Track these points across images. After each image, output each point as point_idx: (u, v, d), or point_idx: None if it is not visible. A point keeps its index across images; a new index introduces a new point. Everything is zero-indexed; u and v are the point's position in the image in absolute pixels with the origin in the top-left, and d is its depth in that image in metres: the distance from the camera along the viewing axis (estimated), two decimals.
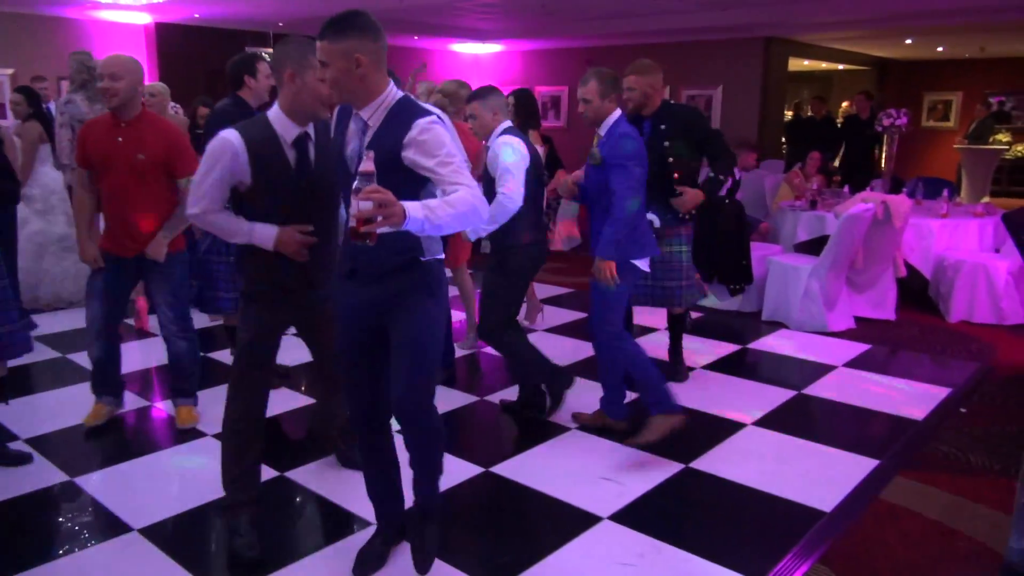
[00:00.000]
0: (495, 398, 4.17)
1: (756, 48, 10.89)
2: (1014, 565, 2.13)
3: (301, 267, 2.63)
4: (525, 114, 4.49)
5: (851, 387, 4.38)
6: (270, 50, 10.81)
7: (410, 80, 5.40)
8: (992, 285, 5.65)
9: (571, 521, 2.92)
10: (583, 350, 4.90)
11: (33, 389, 4.29)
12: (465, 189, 2.08)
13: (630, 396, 3.79)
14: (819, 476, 3.29)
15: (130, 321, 5.31)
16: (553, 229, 5.96)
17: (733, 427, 3.80)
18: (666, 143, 3.98)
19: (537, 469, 3.35)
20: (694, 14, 9.32)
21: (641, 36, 10.72)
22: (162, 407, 4.03)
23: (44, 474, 3.27)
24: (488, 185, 3.53)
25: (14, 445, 3.48)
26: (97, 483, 3.21)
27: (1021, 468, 2.14)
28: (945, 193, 6.57)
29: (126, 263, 3.51)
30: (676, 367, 4.49)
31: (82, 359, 3.91)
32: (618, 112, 3.50)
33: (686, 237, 4.22)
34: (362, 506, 2.87)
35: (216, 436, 3.66)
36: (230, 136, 2.49)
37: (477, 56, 13.71)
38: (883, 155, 8.63)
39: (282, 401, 4.09)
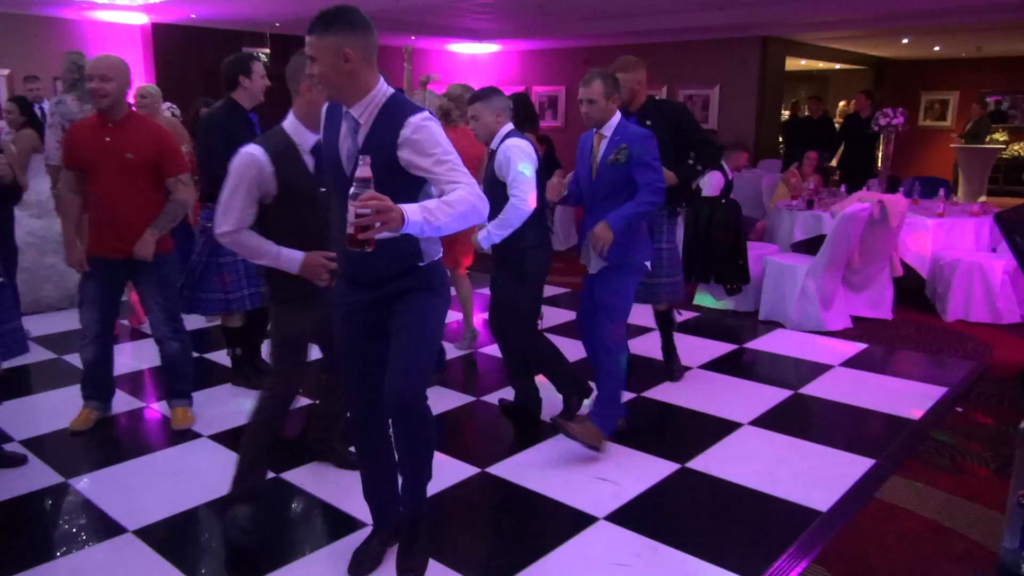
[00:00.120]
0: (491, 399, 4.16)
1: (753, 48, 10.88)
2: (1008, 565, 2.13)
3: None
4: (523, 117, 4.47)
5: (847, 386, 4.38)
6: (266, 50, 10.86)
7: (407, 70, 5.39)
8: (988, 284, 5.66)
9: (567, 521, 2.92)
10: (582, 350, 4.88)
11: (28, 391, 4.29)
12: (463, 187, 2.05)
13: (628, 396, 3.78)
14: (815, 476, 3.29)
15: (124, 321, 5.30)
16: (554, 230, 5.96)
17: (729, 427, 3.80)
18: None
19: (533, 470, 3.34)
20: (691, 14, 9.33)
21: (638, 36, 10.71)
22: (157, 408, 4.02)
23: (38, 476, 3.26)
24: (493, 189, 3.45)
25: (8, 446, 3.48)
26: (91, 484, 3.20)
27: (1014, 468, 2.14)
28: (941, 192, 6.57)
29: (115, 265, 3.50)
30: (669, 366, 4.49)
31: (77, 360, 3.90)
32: (619, 114, 3.50)
33: (668, 233, 4.21)
34: (358, 507, 2.86)
35: (212, 437, 3.66)
36: (254, 151, 2.55)
37: (474, 56, 13.70)
38: (880, 154, 8.64)
39: None
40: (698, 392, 4.26)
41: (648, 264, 3.63)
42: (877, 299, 5.80)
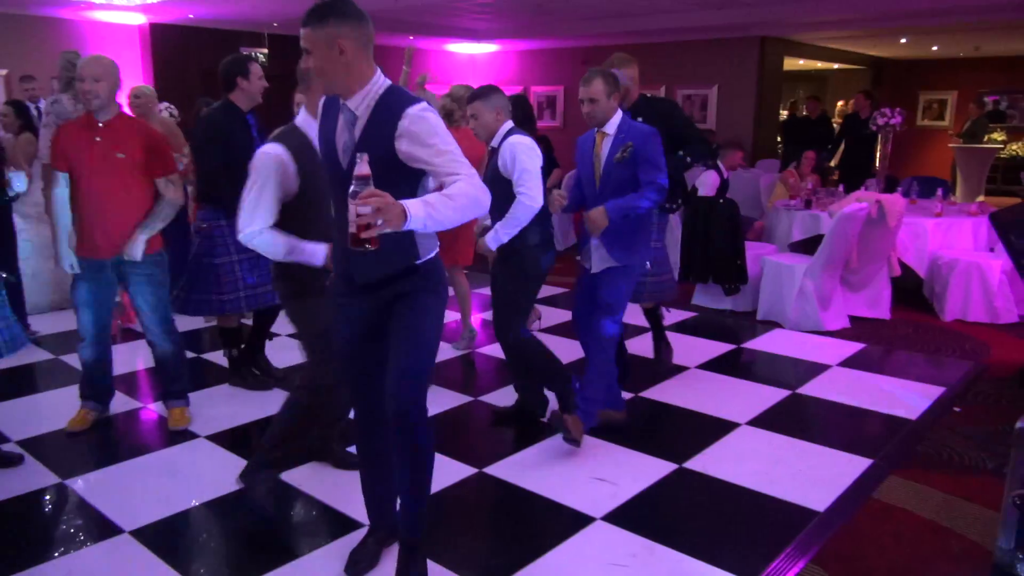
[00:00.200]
0: (489, 399, 4.16)
1: (751, 47, 10.88)
2: (1003, 565, 2.13)
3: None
4: (521, 118, 4.45)
5: (845, 386, 4.38)
6: (264, 50, 10.85)
7: (404, 72, 5.38)
8: (986, 284, 5.66)
9: (564, 522, 2.92)
10: (581, 350, 4.89)
11: (25, 391, 4.28)
12: (464, 179, 2.03)
13: (626, 395, 3.78)
14: (813, 475, 3.29)
15: (117, 321, 5.29)
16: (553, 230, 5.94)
17: (727, 427, 3.80)
18: None
19: (531, 470, 3.34)
20: (689, 14, 9.32)
21: (636, 36, 10.71)
22: (154, 409, 4.02)
23: (35, 476, 3.26)
24: (495, 187, 3.36)
25: (5, 446, 3.47)
26: (88, 485, 3.20)
27: (1009, 468, 2.14)
28: (939, 192, 6.57)
29: (105, 266, 3.49)
30: (658, 355, 4.54)
31: (75, 361, 3.90)
32: (620, 111, 3.50)
33: (657, 231, 4.22)
34: (355, 507, 2.86)
35: (209, 438, 3.66)
36: (276, 150, 2.58)
37: (473, 56, 13.70)
38: (877, 154, 8.64)
39: (277, 403, 4.08)
40: (696, 392, 4.26)
41: (648, 264, 3.66)
42: (875, 299, 5.80)
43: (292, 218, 2.67)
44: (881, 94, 13.29)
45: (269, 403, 4.06)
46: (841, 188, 7.09)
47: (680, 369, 4.64)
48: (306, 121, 2.67)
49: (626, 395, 4.02)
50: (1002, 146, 12.97)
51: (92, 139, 3.36)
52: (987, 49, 12.46)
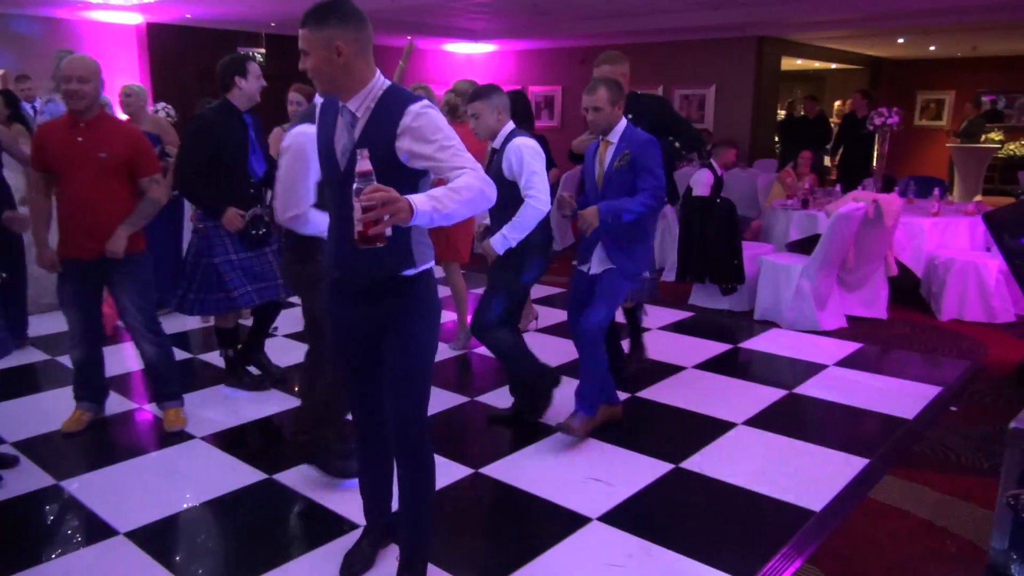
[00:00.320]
0: (485, 399, 4.16)
1: (749, 47, 10.89)
2: (997, 566, 2.13)
3: None
4: (519, 116, 4.45)
5: (842, 386, 4.38)
6: (262, 50, 10.84)
7: (399, 68, 5.37)
8: (983, 284, 5.66)
9: (560, 522, 2.91)
10: (575, 350, 4.89)
11: (21, 392, 4.27)
12: (469, 172, 2.00)
13: (622, 396, 3.78)
14: (809, 475, 3.29)
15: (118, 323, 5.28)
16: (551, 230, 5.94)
17: (724, 427, 3.80)
18: None
19: (527, 470, 3.34)
20: (687, 13, 9.33)
21: (634, 36, 10.71)
22: (149, 410, 4.01)
23: (30, 477, 3.25)
24: (498, 189, 3.40)
25: (0, 448, 3.46)
26: (83, 486, 3.19)
27: (1003, 468, 2.14)
28: (936, 192, 6.58)
29: (89, 266, 3.47)
30: (634, 351, 4.57)
31: (70, 361, 3.89)
32: (624, 120, 3.50)
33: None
34: (349, 508, 2.86)
35: (204, 439, 3.65)
36: (309, 130, 2.50)
37: (470, 56, 13.70)
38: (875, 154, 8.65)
39: (273, 403, 4.08)
40: (692, 392, 4.26)
41: (647, 272, 3.70)
42: (872, 298, 5.80)
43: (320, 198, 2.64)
44: (879, 94, 13.31)
45: (265, 404, 4.06)
46: (838, 188, 7.09)
47: (677, 369, 4.64)
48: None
49: (622, 395, 4.02)
50: (999, 146, 12.98)
51: (74, 139, 3.35)
52: (985, 49, 12.47)
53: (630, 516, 2.96)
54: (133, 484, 3.22)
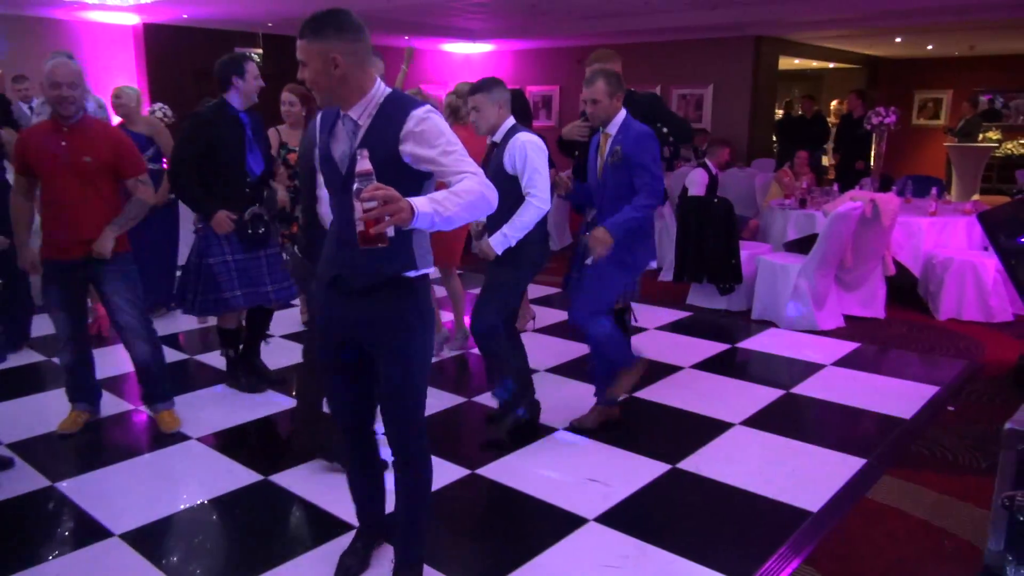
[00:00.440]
0: (482, 400, 4.15)
1: (747, 47, 10.89)
2: (993, 567, 2.12)
3: None
4: (518, 116, 4.42)
5: (839, 386, 4.37)
6: (259, 50, 10.83)
7: (401, 72, 5.36)
8: (980, 283, 5.66)
9: (556, 523, 2.90)
10: (574, 350, 4.89)
11: (16, 393, 4.25)
12: (471, 177, 2.00)
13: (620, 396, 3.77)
14: (806, 475, 3.28)
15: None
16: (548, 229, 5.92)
17: (721, 427, 3.79)
18: None
19: (523, 471, 3.33)
20: (684, 13, 9.32)
21: (631, 35, 10.71)
22: (145, 411, 4.00)
23: (25, 479, 3.24)
24: (496, 185, 3.34)
25: None
26: (78, 488, 3.18)
27: (998, 470, 2.13)
28: (934, 191, 6.57)
29: (73, 267, 3.45)
30: None
31: None
32: (624, 111, 3.49)
33: None
34: (345, 509, 2.84)
35: (200, 439, 3.64)
36: None
37: (468, 56, 13.69)
38: (872, 153, 8.66)
39: (270, 405, 4.07)
40: (690, 392, 4.25)
41: (654, 263, 3.70)
42: (869, 298, 5.79)
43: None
44: (877, 93, 13.32)
45: (262, 405, 4.05)
46: (836, 187, 7.08)
47: (674, 369, 4.63)
48: None
49: (621, 395, 4.01)
50: (997, 145, 12.99)
51: (58, 144, 3.34)
52: (982, 48, 12.48)
53: (627, 517, 2.96)
54: (128, 485, 3.21)
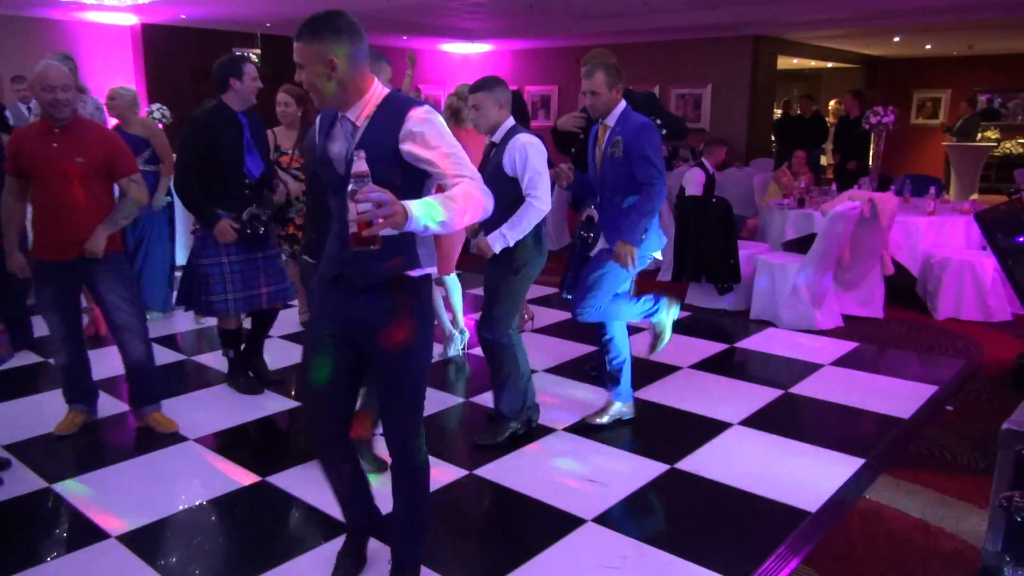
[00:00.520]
0: (480, 400, 4.14)
1: (745, 47, 10.89)
2: (991, 568, 2.12)
3: None
4: (516, 116, 4.41)
5: (838, 386, 4.37)
6: (256, 51, 10.82)
7: (407, 77, 5.37)
8: (979, 282, 5.66)
9: (554, 524, 2.90)
10: (573, 350, 4.89)
11: (13, 394, 4.25)
12: (468, 181, 1.99)
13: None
14: (804, 476, 3.28)
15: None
16: (546, 230, 5.92)
17: (719, 427, 3.79)
18: None
19: (521, 471, 3.33)
20: (682, 13, 9.32)
21: (630, 35, 10.71)
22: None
23: (22, 480, 3.23)
24: (496, 185, 3.16)
25: None
26: (75, 489, 3.17)
27: (995, 470, 2.13)
28: (932, 191, 6.57)
29: (66, 267, 3.44)
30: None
31: None
32: (624, 102, 3.48)
33: None
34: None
35: (198, 440, 3.63)
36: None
37: (466, 56, 13.69)
38: (871, 152, 8.65)
39: (268, 406, 4.06)
40: (688, 392, 4.25)
41: (660, 255, 3.70)
42: (868, 298, 5.79)
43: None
44: (875, 93, 13.33)
45: (260, 407, 4.05)
46: (834, 187, 7.08)
47: (673, 369, 4.63)
48: None
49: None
50: (995, 144, 12.99)
51: (50, 145, 3.33)
52: (980, 47, 12.49)
53: (625, 517, 2.96)
54: (126, 487, 3.21)
